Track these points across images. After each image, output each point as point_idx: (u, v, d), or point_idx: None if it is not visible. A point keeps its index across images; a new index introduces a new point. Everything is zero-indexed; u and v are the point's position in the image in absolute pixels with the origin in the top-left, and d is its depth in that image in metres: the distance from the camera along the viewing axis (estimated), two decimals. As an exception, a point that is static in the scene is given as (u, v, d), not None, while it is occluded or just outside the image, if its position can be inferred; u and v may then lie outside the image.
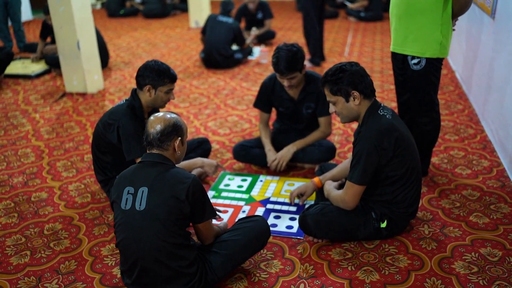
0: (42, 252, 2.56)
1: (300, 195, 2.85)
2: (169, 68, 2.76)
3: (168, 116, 2.11)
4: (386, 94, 4.77)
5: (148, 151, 2.11)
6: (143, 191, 2.01)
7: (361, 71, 2.37)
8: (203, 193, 2.08)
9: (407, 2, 2.82)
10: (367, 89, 2.36)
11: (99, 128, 2.81)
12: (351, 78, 2.34)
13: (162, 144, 2.07)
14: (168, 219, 1.99)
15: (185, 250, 2.05)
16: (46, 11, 5.64)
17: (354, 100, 2.37)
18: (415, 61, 2.86)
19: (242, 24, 7.42)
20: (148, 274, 2.03)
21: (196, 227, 2.16)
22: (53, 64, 5.70)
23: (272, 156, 3.23)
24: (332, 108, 2.48)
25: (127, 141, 2.70)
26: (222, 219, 2.76)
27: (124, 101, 2.82)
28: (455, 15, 2.82)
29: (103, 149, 2.84)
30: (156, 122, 2.08)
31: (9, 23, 7.15)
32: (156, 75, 2.69)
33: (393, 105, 4.40)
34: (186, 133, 2.17)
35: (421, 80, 2.90)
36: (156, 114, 2.13)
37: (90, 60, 5.07)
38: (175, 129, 2.09)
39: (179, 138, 2.11)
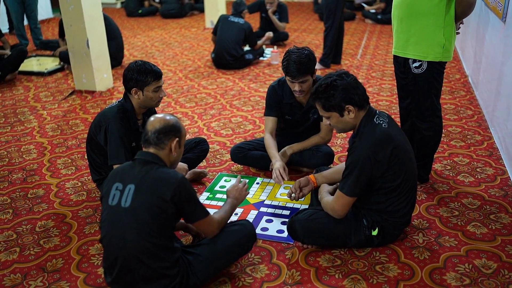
0: (31, 249, 2.57)
1: (300, 188, 2.70)
2: (152, 66, 2.70)
3: (168, 117, 2.13)
4: (395, 98, 4.67)
5: (144, 149, 2.11)
6: (130, 188, 2.01)
7: (352, 83, 2.27)
8: (190, 194, 2.06)
9: (409, 4, 2.74)
10: (360, 100, 2.28)
11: (92, 129, 2.82)
12: (344, 93, 2.24)
13: (159, 143, 2.08)
14: (151, 219, 1.97)
15: (166, 252, 2.03)
16: None
17: (349, 113, 2.29)
18: (416, 64, 2.78)
19: (257, 23, 7.40)
20: (128, 272, 2.01)
21: (194, 226, 2.16)
22: (66, 60, 5.74)
23: (278, 164, 2.95)
24: (326, 121, 2.41)
25: (111, 146, 2.70)
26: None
27: (116, 102, 2.82)
28: (458, 18, 2.73)
29: (96, 150, 2.85)
30: (155, 121, 2.10)
31: (26, 22, 7.27)
32: (139, 76, 2.67)
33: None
34: (184, 136, 2.18)
35: (422, 84, 2.81)
36: (156, 115, 2.15)
37: (100, 59, 5.10)
38: (173, 130, 2.10)
39: (177, 139, 2.12)
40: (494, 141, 3.60)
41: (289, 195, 2.73)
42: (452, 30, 2.73)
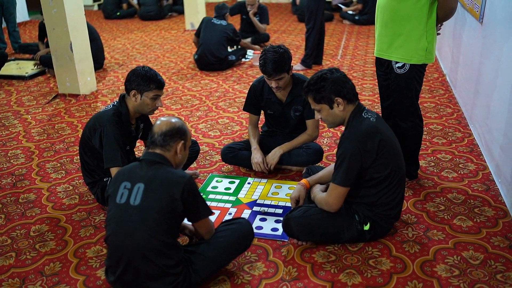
0: (28, 253, 2.57)
1: (297, 201, 2.77)
2: (157, 74, 2.77)
3: (174, 120, 2.21)
4: (377, 98, 4.79)
5: (150, 150, 2.17)
6: (139, 187, 2.06)
7: (342, 77, 2.39)
8: (197, 192, 2.14)
9: (392, 9, 2.83)
10: (349, 94, 2.39)
11: (85, 132, 2.84)
12: (333, 85, 2.37)
13: (165, 144, 2.14)
14: (161, 217, 2.03)
15: (172, 250, 2.09)
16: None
17: (338, 106, 2.40)
18: (399, 64, 2.88)
19: (237, 26, 7.46)
20: (133, 270, 2.05)
21: (194, 226, 2.24)
22: (48, 64, 5.69)
23: (257, 155, 3.25)
24: (317, 115, 2.51)
25: (107, 149, 2.72)
26: (213, 213, 2.83)
27: (111, 105, 2.84)
28: (439, 21, 2.85)
29: (89, 153, 2.86)
30: (162, 124, 2.17)
31: (4, 25, 7.17)
32: (142, 80, 2.71)
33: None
34: (189, 139, 2.26)
35: (403, 84, 2.91)
36: (162, 118, 2.22)
37: (83, 62, 5.08)
38: (179, 132, 2.18)
39: (182, 141, 2.19)
40: (474, 138, 3.74)
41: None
42: (434, 33, 2.85)
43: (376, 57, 3.05)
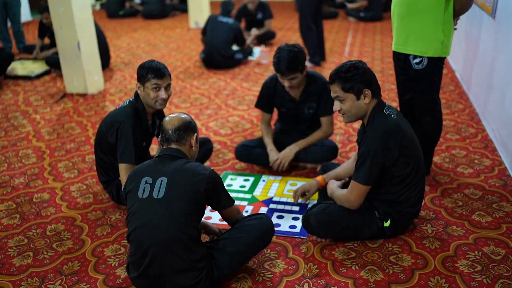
0: (45, 253, 2.56)
1: (304, 193, 2.85)
2: (155, 64, 2.71)
3: (183, 115, 2.24)
4: (387, 94, 4.78)
5: (166, 147, 2.18)
6: (162, 180, 2.07)
7: (370, 70, 2.39)
8: (221, 184, 2.18)
9: (408, 2, 2.82)
10: (377, 87, 2.38)
11: (102, 128, 2.82)
12: (364, 76, 2.34)
13: (180, 139, 2.17)
14: (186, 210, 2.04)
15: (197, 244, 2.09)
16: (41, 10, 5.71)
17: (364, 98, 2.37)
18: (417, 60, 2.86)
19: (242, 25, 7.43)
20: (158, 264, 2.04)
21: (220, 213, 2.29)
22: (53, 64, 5.68)
23: (274, 155, 3.22)
24: (337, 106, 2.43)
25: (123, 145, 2.70)
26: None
27: (128, 102, 2.82)
28: (456, 14, 2.82)
29: (105, 149, 2.84)
30: (173, 120, 2.20)
31: (9, 24, 7.15)
32: (142, 71, 2.72)
33: (394, 104, 4.40)
34: (198, 132, 2.29)
35: (423, 79, 2.90)
36: (171, 114, 2.24)
37: (91, 61, 5.07)
38: (190, 126, 2.21)
39: (195, 134, 2.22)
40: (488, 133, 3.72)
41: (295, 199, 2.84)
42: (450, 27, 2.83)
43: (393, 52, 3.03)
